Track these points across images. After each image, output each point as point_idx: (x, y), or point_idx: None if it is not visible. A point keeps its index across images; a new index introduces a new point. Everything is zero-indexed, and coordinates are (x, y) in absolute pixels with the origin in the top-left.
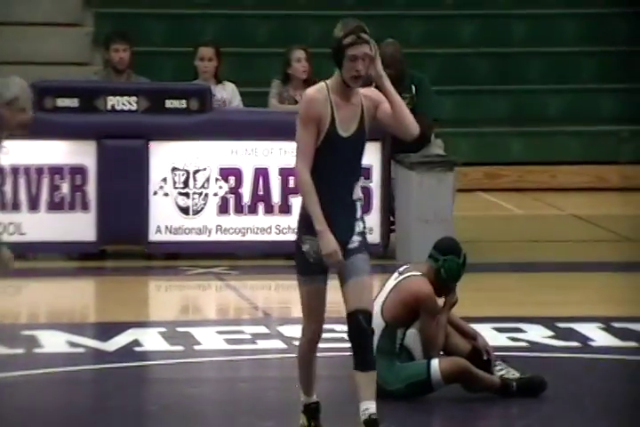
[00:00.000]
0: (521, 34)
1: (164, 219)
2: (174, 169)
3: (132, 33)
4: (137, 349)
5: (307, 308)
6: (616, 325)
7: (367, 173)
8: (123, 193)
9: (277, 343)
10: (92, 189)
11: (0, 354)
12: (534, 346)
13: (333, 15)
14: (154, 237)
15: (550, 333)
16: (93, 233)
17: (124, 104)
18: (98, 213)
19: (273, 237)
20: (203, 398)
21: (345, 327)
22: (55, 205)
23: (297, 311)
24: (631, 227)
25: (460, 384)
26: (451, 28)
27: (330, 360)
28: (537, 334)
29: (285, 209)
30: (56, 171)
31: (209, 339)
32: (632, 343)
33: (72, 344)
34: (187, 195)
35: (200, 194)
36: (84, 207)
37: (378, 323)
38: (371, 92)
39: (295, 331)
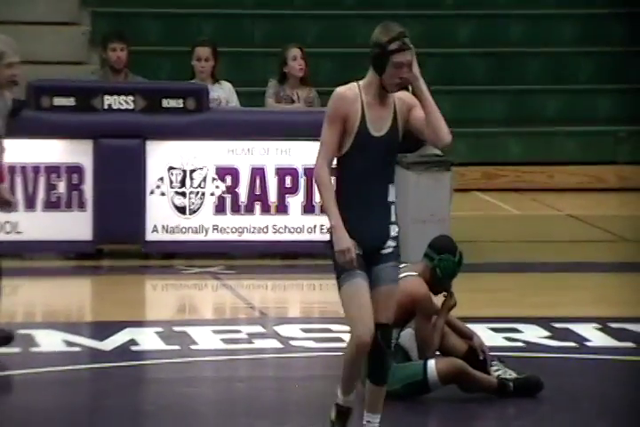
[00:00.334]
0: (518, 34)
1: (161, 218)
2: (171, 168)
3: (128, 32)
4: (133, 348)
5: (350, 308)
6: (612, 325)
7: None
8: (119, 192)
9: (274, 343)
10: (88, 188)
11: None
12: (531, 346)
13: (331, 15)
14: (150, 236)
15: (547, 333)
16: (90, 232)
17: (120, 103)
18: (94, 213)
19: (270, 236)
20: (199, 397)
21: (342, 327)
22: (52, 204)
23: (293, 311)
24: (628, 227)
25: (456, 385)
26: (449, 29)
27: (326, 360)
28: (533, 334)
29: (282, 209)
30: (53, 170)
31: (205, 338)
32: (628, 344)
33: (68, 343)
34: (183, 194)
35: (197, 193)
36: (81, 206)
37: None
38: (404, 94)
39: (291, 331)
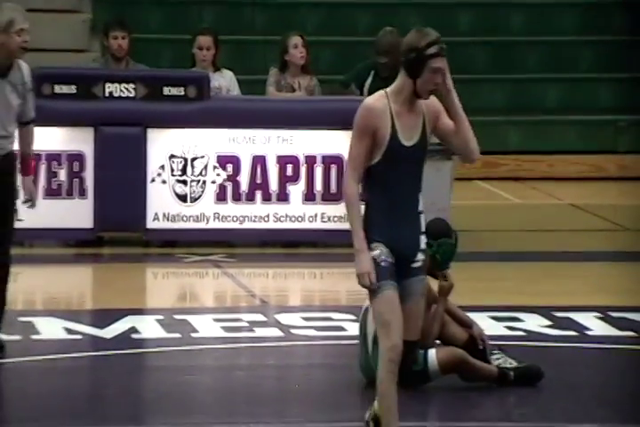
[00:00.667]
0: (519, 23)
1: (162, 206)
2: (172, 156)
3: (130, 20)
4: (134, 336)
5: (381, 321)
6: (613, 314)
7: None
8: (120, 180)
9: (274, 331)
10: (89, 175)
11: None
12: (531, 335)
13: (332, 3)
14: (151, 224)
15: (547, 322)
16: (91, 220)
17: (121, 91)
18: (95, 200)
19: (270, 224)
20: (200, 385)
21: (343, 316)
22: (53, 192)
23: (294, 299)
24: (629, 216)
25: (456, 374)
26: (449, 18)
27: (327, 348)
28: (534, 323)
29: (283, 197)
30: (54, 157)
31: (206, 326)
32: (629, 333)
33: (69, 331)
34: (184, 182)
35: (198, 181)
36: (82, 194)
37: None
38: (431, 100)
39: (292, 319)
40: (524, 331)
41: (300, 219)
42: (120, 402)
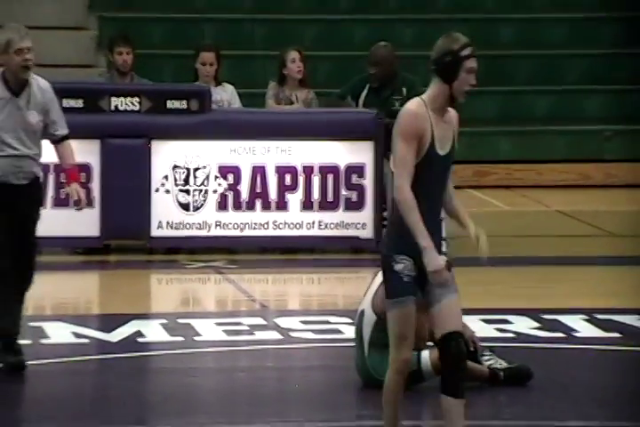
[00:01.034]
0: (509, 37)
1: (166, 215)
2: (175, 167)
3: (134, 36)
4: (139, 339)
5: (397, 334)
6: (599, 316)
7: (360, 170)
8: (126, 190)
9: (274, 334)
10: (96, 186)
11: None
12: (521, 337)
13: (328, 19)
14: (155, 232)
15: (536, 324)
16: (97, 228)
17: (127, 104)
18: (102, 210)
19: (270, 232)
20: (202, 386)
21: (340, 319)
22: (61, 202)
23: (293, 304)
24: (614, 222)
25: None
26: (440, 32)
27: (324, 351)
28: (523, 325)
29: (282, 205)
30: (62, 169)
31: (208, 330)
32: (615, 334)
33: (77, 335)
34: (187, 192)
35: (200, 191)
36: (89, 204)
37: (370, 316)
38: (455, 115)
39: (291, 322)
40: (514, 333)
41: (298, 226)
42: (126, 403)
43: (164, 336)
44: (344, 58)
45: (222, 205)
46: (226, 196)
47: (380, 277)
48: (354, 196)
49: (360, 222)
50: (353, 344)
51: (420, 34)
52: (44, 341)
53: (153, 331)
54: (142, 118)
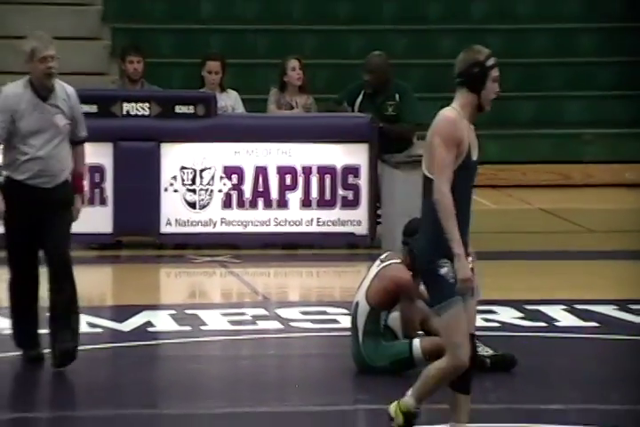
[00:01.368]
0: (496, 46)
1: (174, 213)
2: (183, 168)
3: (144, 46)
4: (150, 329)
5: (458, 332)
6: (578, 307)
7: (356, 171)
8: (136, 190)
9: (275, 324)
10: (109, 186)
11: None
12: (505, 326)
13: (327, 30)
14: (164, 229)
15: (519, 314)
16: (110, 225)
17: (137, 110)
18: (114, 208)
19: (272, 228)
20: (208, 373)
21: (337, 310)
22: None
23: (293, 295)
24: (593, 220)
25: None
26: (433, 42)
27: (322, 340)
28: (507, 315)
29: (283, 204)
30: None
31: (214, 320)
32: (593, 323)
33: (91, 325)
34: (194, 191)
35: (206, 190)
36: (102, 202)
37: (364, 307)
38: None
39: (291, 313)
40: (499, 322)
41: (297, 223)
42: (137, 389)
43: (172, 326)
44: (341, 66)
45: (227, 204)
46: (230, 195)
47: (372, 270)
48: (350, 195)
49: (355, 220)
50: (349, 333)
51: (413, 44)
52: None
53: (162, 321)
54: (152, 123)
